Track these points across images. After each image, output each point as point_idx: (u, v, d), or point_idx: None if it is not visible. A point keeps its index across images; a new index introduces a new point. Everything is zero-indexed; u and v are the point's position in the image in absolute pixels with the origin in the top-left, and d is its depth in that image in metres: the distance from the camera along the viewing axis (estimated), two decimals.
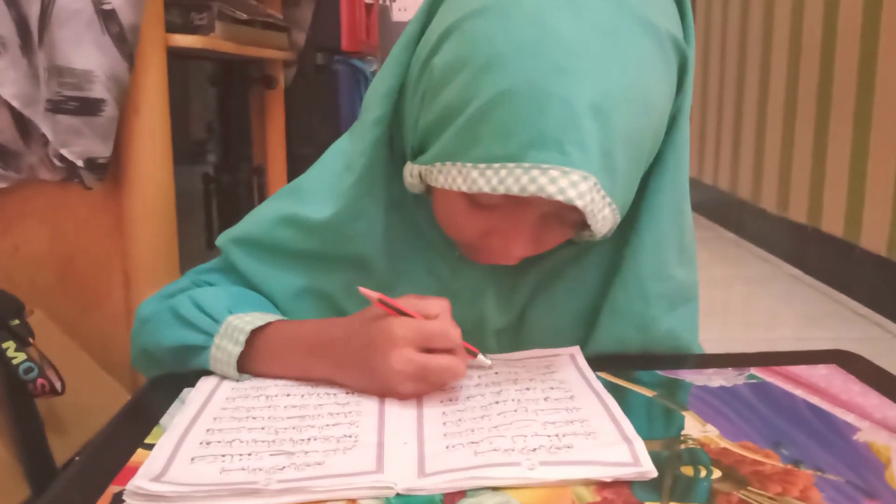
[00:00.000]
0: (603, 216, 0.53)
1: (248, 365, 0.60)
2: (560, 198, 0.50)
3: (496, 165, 0.51)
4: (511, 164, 0.50)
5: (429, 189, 0.60)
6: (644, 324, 0.64)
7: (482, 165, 0.51)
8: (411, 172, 0.59)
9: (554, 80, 0.50)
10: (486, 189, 0.51)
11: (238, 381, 0.60)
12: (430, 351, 0.55)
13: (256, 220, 0.66)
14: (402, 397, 0.56)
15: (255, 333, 0.60)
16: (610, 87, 0.50)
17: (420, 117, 0.57)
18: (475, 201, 0.56)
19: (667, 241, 0.62)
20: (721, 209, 3.57)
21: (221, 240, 0.68)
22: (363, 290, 0.57)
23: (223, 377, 0.60)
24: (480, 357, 0.57)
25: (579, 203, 0.51)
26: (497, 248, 0.58)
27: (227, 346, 0.59)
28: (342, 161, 0.63)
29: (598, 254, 0.65)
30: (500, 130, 0.51)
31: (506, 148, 0.51)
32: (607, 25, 0.51)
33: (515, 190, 0.51)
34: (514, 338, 0.67)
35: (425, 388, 0.56)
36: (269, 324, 0.60)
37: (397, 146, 0.63)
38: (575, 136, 0.50)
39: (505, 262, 0.59)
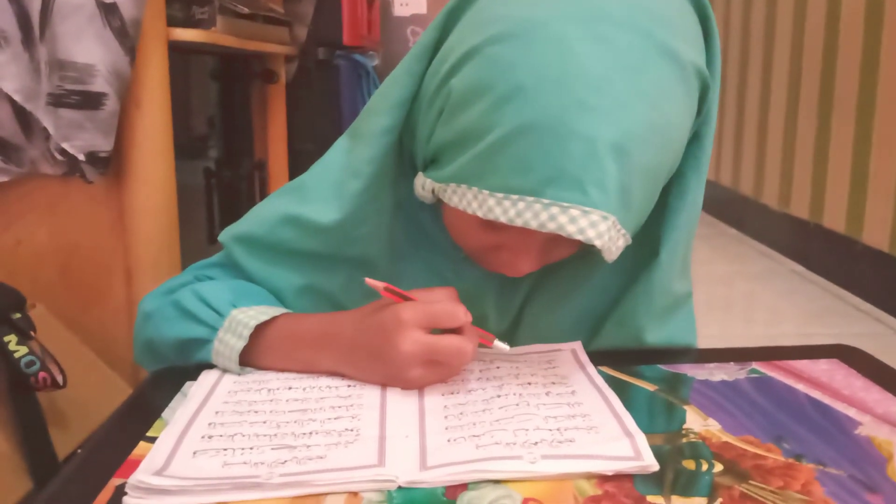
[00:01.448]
0: (617, 247, 0.53)
1: (251, 359, 0.60)
2: (579, 237, 0.50)
3: (514, 197, 0.51)
4: (530, 198, 0.50)
5: (439, 199, 0.60)
6: (644, 335, 0.64)
7: (499, 195, 0.51)
8: (423, 185, 0.59)
9: (576, 116, 0.49)
10: (503, 219, 0.51)
11: (239, 374, 0.60)
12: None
13: (259, 218, 0.66)
14: (408, 385, 0.56)
15: (260, 328, 0.60)
16: (632, 125, 0.50)
17: (435, 133, 0.57)
18: (488, 221, 0.56)
19: (677, 257, 0.63)
20: (723, 205, 3.57)
21: (223, 236, 0.68)
22: (369, 281, 0.57)
23: (225, 370, 0.60)
24: (497, 343, 0.58)
25: (597, 242, 0.51)
26: (505, 263, 0.59)
27: (229, 339, 0.59)
28: (348, 165, 0.63)
29: (613, 265, 0.64)
30: (520, 163, 0.50)
31: (524, 181, 0.50)
32: (632, 59, 0.50)
33: (534, 225, 0.51)
34: (513, 337, 0.67)
35: (433, 373, 0.56)
36: (273, 318, 0.60)
37: (406, 151, 0.63)
38: (595, 175, 0.50)
39: (511, 275, 0.60)
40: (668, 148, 0.54)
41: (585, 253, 0.63)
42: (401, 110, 0.60)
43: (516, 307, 0.67)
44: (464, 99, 0.53)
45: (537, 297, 0.67)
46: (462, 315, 0.55)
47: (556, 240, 0.57)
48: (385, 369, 0.56)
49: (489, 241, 0.58)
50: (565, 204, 0.50)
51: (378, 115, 0.61)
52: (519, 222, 0.51)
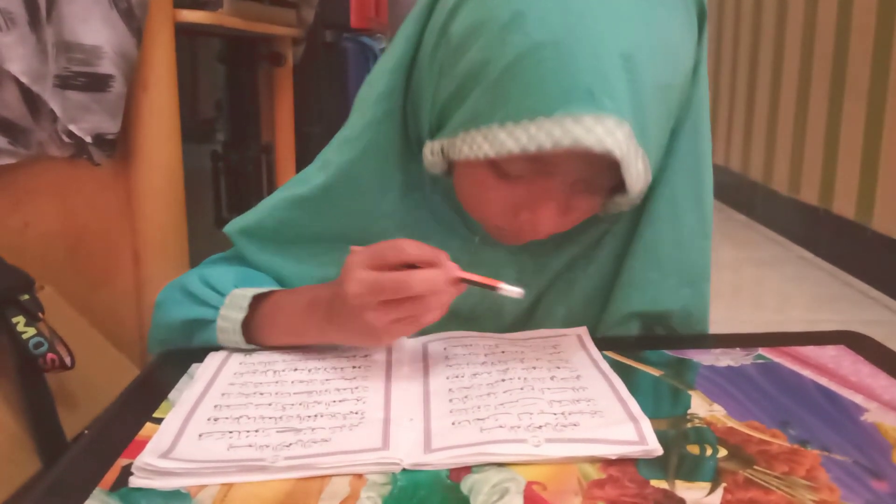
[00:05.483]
0: (637, 170, 0.51)
1: (252, 333, 0.61)
2: (598, 148, 0.48)
3: (525, 122, 0.49)
4: (541, 118, 0.49)
5: (450, 170, 0.60)
6: (658, 295, 0.63)
7: (510, 125, 0.50)
8: (432, 150, 0.58)
9: (581, 32, 0.49)
10: (516, 149, 0.50)
11: (245, 348, 0.60)
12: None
13: (262, 209, 0.67)
14: (375, 335, 0.54)
15: (259, 300, 0.60)
16: (637, 38, 0.50)
17: (438, 90, 0.56)
18: (501, 171, 0.55)
19: (682, 207, 0.61)
20: (732, 190, 3.55)
21: (229, 228, 0.68)
22: (354, 249, 0.55)
23: (231, 352, 0.61)
24: (504, 286, 0.53)
25: (616, 152, 0.49)
26: (525, 223, 0.57)
27: (231, 314, 0.59)
28: (340, 134, 0.62)
29: (615, 233, 0.64)
30: (527, 87, 0.49)
31: (534, 105, 0.49)
32: None
33: (548, 145, 0.49)
34: (528, 322, 0.67)
35: (390, 315, 0.53)
36: (272, 291, 0.61)
37: (412, 129, 0.62)
38: (605, 85, 0.49)
39: (534, 238, 0.58)
40: (675, 68, 0.53)
41: (605, 231, 0.62)
42: (396, 75, 0.59)
43: (534, 292, 0.67)
44: (463, 41, 0.53)
45: (557, 281, 0.66)
46: (408, 247, 0.52)
47: (574, 189, 0.55)
48: (353, 324, 0.54)
49: (505, 201, 0.56)
50: (578, 114, 0.48)
51: (372, 83, 0.60)
52: (532, 147, 0.49)
